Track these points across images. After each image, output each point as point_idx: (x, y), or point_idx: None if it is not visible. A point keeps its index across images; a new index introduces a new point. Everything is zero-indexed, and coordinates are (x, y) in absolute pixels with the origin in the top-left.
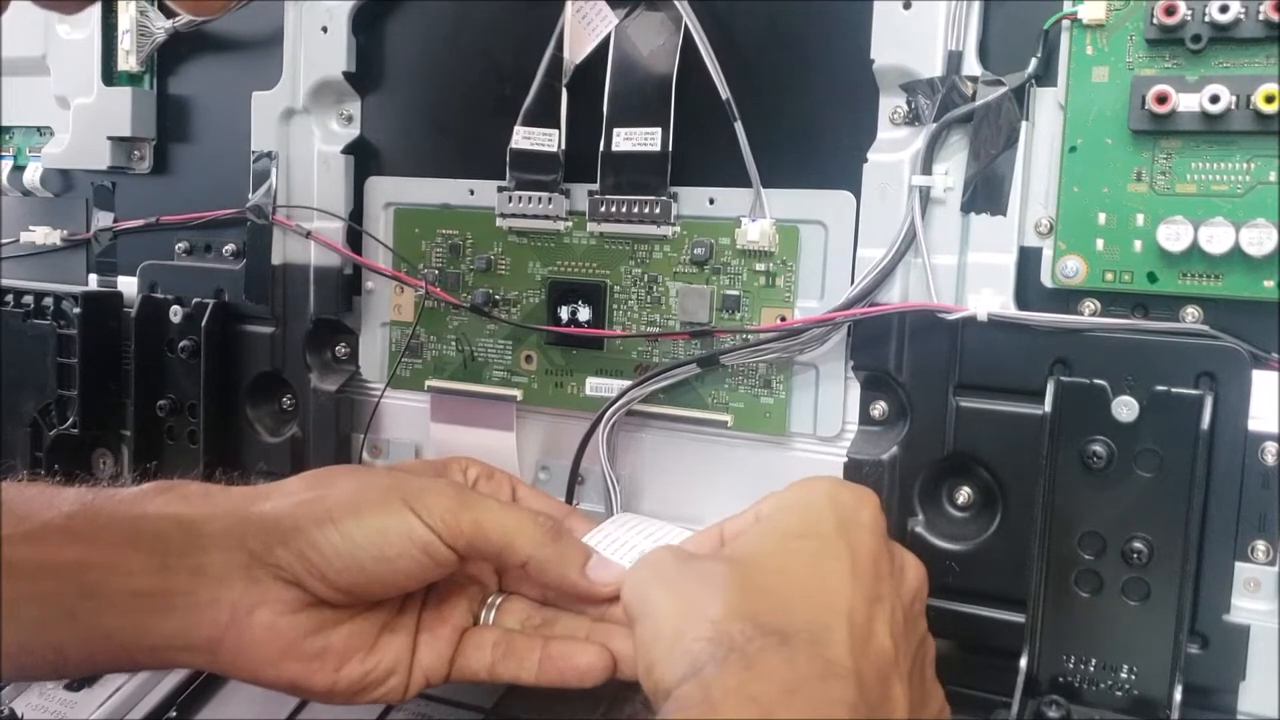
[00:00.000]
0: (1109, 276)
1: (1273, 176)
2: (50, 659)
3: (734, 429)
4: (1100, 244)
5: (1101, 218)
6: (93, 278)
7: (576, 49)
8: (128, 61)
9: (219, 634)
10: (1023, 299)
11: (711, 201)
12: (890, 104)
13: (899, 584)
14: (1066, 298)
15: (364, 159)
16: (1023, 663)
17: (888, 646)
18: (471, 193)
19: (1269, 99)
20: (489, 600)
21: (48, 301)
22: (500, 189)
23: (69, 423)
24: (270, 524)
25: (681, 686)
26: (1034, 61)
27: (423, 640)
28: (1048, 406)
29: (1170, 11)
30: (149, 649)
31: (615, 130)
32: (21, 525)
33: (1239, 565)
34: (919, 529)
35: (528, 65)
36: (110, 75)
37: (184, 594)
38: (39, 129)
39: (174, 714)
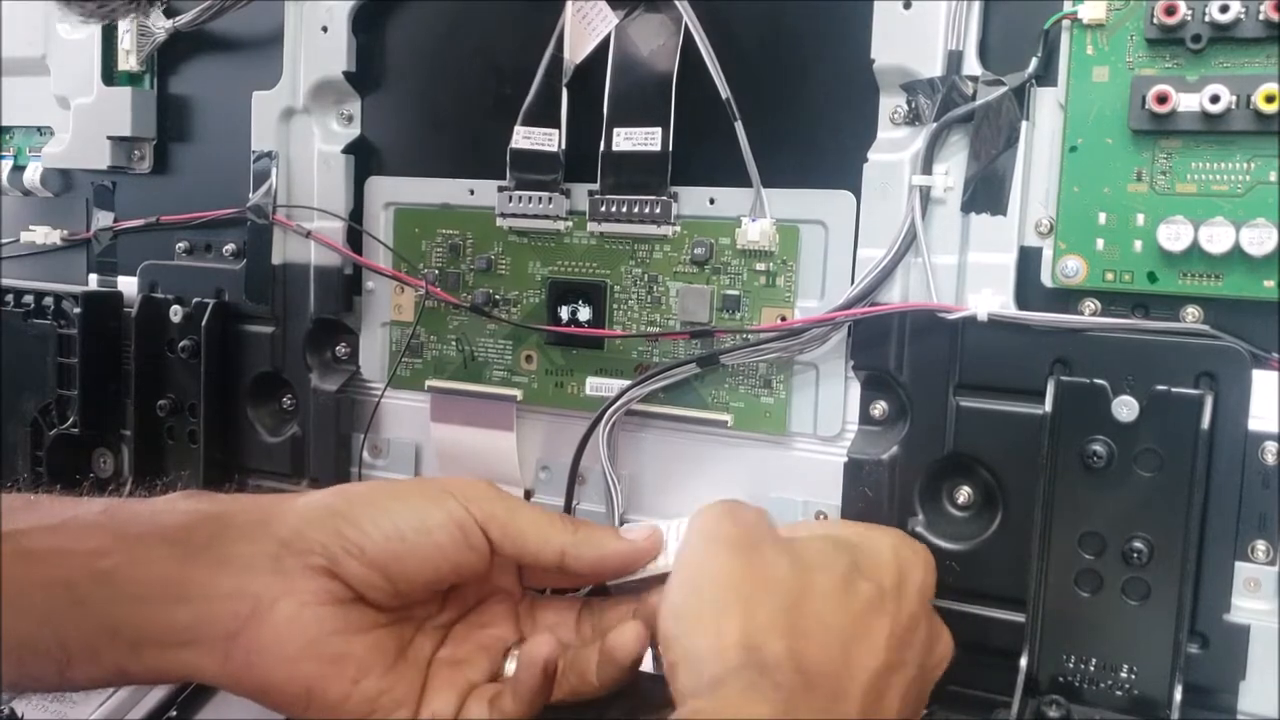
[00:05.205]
0: (1109, 276)
1: (1273, 176)
2: (54, 655)
3: (734, 429)
4: (1100, 244)
5: (1102, 217)
6: (93, 277)
7: (577, 49)
8: (128, 61)
9: (236, 627)
10: (1023, 299)
11: (712, 201)
12: (890, 104)
13: (927, 654)
14: (1066, 297)
15: (364, 159)
16: (1023, 662)
17: (894, 711)
18: (471, 193)
19: (1269, 99)
20: (510, 650)
21: (48, 301)
22: (500, 189)
23: (69, 422)
24: (303, 511)
25: (697, 699)
26: (1034, 61)
27: (433, 681)
28: (1048, 406)
29: (1170, 11)
30: (157, 644)
31: (615, 130)
32: (46, 519)
33: (1239, 565)
34: (919, 529)
35: (528, 65)
36: (110, 75)
37: (203, 583)
38: (39, 129)
39: (174, 714)
